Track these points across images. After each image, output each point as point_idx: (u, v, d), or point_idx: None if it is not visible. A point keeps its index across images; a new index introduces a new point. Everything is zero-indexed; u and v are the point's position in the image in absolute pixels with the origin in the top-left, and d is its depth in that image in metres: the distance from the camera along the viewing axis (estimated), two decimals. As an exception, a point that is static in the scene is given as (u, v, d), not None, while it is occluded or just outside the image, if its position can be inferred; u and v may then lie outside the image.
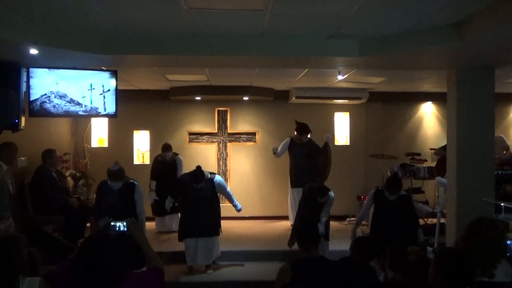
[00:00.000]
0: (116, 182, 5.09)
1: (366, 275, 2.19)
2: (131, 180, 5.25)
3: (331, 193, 5.61)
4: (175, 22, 4.07)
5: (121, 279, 2.47)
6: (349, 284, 2.13)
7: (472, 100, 5.24)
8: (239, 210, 6.15)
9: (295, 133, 7.48)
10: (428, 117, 9.02)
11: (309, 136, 7.52)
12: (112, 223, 3.20)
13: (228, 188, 6.22)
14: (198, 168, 5.68)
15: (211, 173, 5.86)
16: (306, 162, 7.33)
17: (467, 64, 5.10)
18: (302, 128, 7.39)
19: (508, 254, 2.93)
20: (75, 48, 4.47)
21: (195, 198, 5.61)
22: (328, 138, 6.86)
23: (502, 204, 5.07)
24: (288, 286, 3.07)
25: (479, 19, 3.72)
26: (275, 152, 7.51)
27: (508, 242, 2.93)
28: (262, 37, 4.55)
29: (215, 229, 5.74)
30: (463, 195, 5.24)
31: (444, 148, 6.27)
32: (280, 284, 3.17)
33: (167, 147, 7.41)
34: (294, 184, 7.48)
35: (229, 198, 6.07)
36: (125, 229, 3.17)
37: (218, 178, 5.87)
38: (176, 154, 7.53)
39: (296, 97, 8.14)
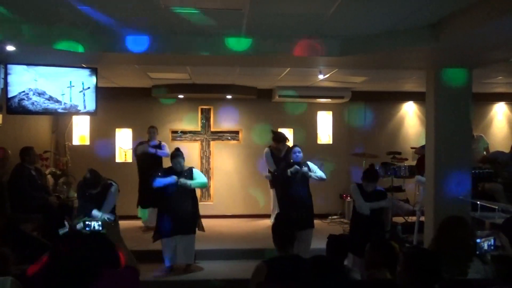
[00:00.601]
0: (93, 190, 4.97)
1: (337, 273, 2.22)
2: (109, 181, 5.16)
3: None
4: (153, 19, 4.05)
5: (95, 279, 2.46)
6: (320, 283, 2.15)
7: (450, 100, 5.32)
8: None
9: (272, 142, 7.45)
10: (410, 116, 9.12)
11: (287, 144, 7.46)
12: (87, 222, 3.19)
13: (206, 180, 6.02)
14: (177, 148, 5.71)
15: (189, 167, 5.75)
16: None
17: (445, 65, 5.18)
18: (279, 138, 7.37)
19: (478, 252, 2.98)
20: (53, 45, 4.42)
21: (172, 192, 5.47)
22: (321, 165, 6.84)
23: (478, 203, 5.16)
24: (263, 284, 3.08)
25: (455, 20, 3.79)
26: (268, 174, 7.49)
27: (478, 240, 2.97)
28: (242, 36, 4.55)
29: (194, 226, 5.66)
30: (441, 193, 5.33)
31: (424, 147, 6.36)
32: (255, 283, 3.17)
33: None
34: (272, 185, 7.53)
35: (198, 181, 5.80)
36: (100, 228, 3.17)
37: (196, 169, 5.82)
38: (160, 142, 7.50)
39: (279, 96, 8.17)
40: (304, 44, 4.61)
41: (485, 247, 2.99)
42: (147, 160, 7.18)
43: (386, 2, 3.48)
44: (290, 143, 7.73)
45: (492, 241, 3.01)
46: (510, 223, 3.40)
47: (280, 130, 8.51)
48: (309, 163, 5.80)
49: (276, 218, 3.64)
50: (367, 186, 5.00)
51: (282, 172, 5.70)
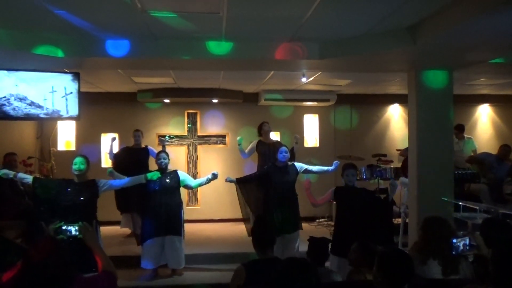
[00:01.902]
0: None
1: (309, 275, 2.21)
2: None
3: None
4: (132, 23, 4.05)
5: (70, 284, 2.44)
6: (290, 285, 2.15)
7: (431, 102, 5.37)
8: (214, 176, 5.63)
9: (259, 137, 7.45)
10: (395, 119, 9.18)
11: (273, 134, 7.50)
12: (63, 227, 3.17)
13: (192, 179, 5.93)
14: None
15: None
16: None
17: (425, 66, 5.22)
18: (258, 127, 7.34)
19: (453, 252, 3.01)
20: (33, 50, 4.40)
21: (156, 190, 5.41)
22: (297, 139, 6.85)
23: (460, 203, 5.20)
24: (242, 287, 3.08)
25: (432, 22, 3.83)
26: (241, 151, 7.23)
27: (454, 240, 3.00)
28: (222, 39, 4.57)
29: (178, 228, 5.55)
30: (424, 194, 5.36)
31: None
32: (234, 286, 3.17)
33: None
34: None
35: (200, 184, 5.79)
36: (77, 233, 3.15)
37: (181, 171, 5.75)
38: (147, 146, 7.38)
39: (266, 100, 8.19)
40: (284, 47, 4.63)
41: (461, 247, 3.02)
42: (127, 164, 6.96)
43: (361, 5, 3.51)
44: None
45: (467, 241, 3.05)
46: (487, 224, 3.43)
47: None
48: (295, 163, 5.72)
49: (255, 221, 3.64)
50: (348, 179, 4.90)
51: (265, 173, 5.66)
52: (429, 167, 5.36)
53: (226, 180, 5.70)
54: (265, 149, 7.29)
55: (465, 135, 8.00)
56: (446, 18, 3.60)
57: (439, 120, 5.37)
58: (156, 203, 5.44)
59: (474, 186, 6.64)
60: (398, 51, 4.36)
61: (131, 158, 7.08)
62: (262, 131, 7.31)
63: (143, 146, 7.34)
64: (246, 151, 7.34)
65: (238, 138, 6.95)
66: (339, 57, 4.68)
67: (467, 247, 3.07)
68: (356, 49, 4.47)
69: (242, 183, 5.79)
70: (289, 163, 5.67)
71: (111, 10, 3.66)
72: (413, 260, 2.40)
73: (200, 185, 5.83)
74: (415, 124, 5.44)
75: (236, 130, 8.75)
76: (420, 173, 5.38)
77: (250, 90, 8.23)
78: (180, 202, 5.70)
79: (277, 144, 7.45)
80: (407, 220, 6.06)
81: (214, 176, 5.58)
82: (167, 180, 5.52)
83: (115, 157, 7.15)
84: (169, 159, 5.68)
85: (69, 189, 4.63)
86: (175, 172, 5.62)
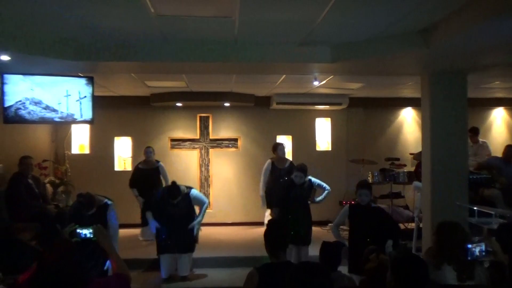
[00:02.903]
0: (88, 211, 4.73)
1: (322, 279, 2.20)
2: (105, 201, 4.88)
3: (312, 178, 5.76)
4: (146, 28, 4.09)
5: (84, 286, 2.46)
6: (303, 288, 2.14)
7: (445, 105, 5.32)
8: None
9: (274, 154, 7.43)
10: (408, 122, 9.11)
11: (288, 159, 7.49)
12: (78, 230, 3.19)
13: (206, 200, 5.94)
14: (173, 183, 5.59)
15: (187, 187, 5.72)
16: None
17: (438, 70, 5.18)
18: (273, 146, 7.39)
19: (469, 258, 2.96)
20: (48, 55, 4.47)
21: (170, 214, 5.54)
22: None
23: (475, 208, 5.13)
24: (254, 291, 3.07)
25: (445, 25, 3.80)
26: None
27: (469, 245, 2.96)
28: (234, 43, 4.59)
29: (191, 245, 5.73)
30: (437, 199, 5.30)
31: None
32: (247, 290, 3.16)
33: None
34: (269, 206, 7.26)
35: (201, 209, 5.82)
36: (91, 236, 3.17)
37: (194, 191, 5.73)
38: (158, 161, 7.47)
39: (277, 103, 8.19)
40: (296, 51, 4.63)
41: (476, 252, 2.97)
42: (141, 184, 7.16)
43: (374, 8, 3.50)
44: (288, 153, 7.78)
45: (483, 246, 3.00)
46: (503, 229, 3.38)
47: (278, 137, 8.57)
48: (312, 178, 5.78)
49: (268, 225, 3.63)
50: (362, 196, 4.90)
51: (282, 189, 5.71)
52: (443, 171, 5.30)
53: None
54: (277, 175, 7.17)
55: (480, 139, 7.87)
56: (459, 20, 3.56)
57: (453, 124, 5.32)
58: (171, 226, 5.55)
59: (487, 192, 6.53)
60: (410, 54, 4.34)
61: (143, 179, 7.19)
62: (276, 153, 7.29)
63: (155, 160, 7.39)
64: (261, 182, 7.40)
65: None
66: (351, 60, 4.66)
67: (483, 253, 3.01)
68: (368, 52, 4.45)
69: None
70: (305, 179, 5.72)
71: (125, 14, 3.69)
72: (427, 265, 2.37)
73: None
74: (428, 127, 5.39)
75: (248, 133, 8.77)
76: (434, 178, 5.33)
77: (262, 93, 8.24)
78: (194, 216, 5.75)
79: (290, 171, 7.30)
80: (421, 225, 6.00)
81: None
82: (181, 208, 5.56)
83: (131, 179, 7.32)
84: (181, 191, 5.58)
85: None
86: (187, 195, 5.61)
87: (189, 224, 5.65)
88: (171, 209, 5.53)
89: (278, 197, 5.86)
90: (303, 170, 5.64)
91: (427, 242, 5.34)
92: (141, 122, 8.52)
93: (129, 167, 8.35)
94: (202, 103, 8.23)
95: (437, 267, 3.13)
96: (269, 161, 7.43)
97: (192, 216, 5.74)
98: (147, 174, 7.26)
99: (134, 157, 8.32)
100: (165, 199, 5.54)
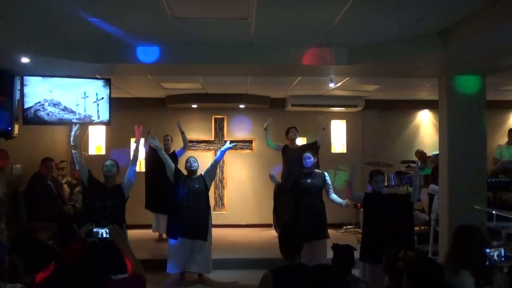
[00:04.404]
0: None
1: (338, 282, 2.19)
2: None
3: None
4: (162, 31, 4.12)
5: (101, 286, 2.48)
6: (319, 292, 2.13)
7: (463, 108, 5.24)
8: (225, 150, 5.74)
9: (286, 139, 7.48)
10: (425, 124, 9.01)
11: (299, 139, 7.51)
12: (94, 230, 3.22)
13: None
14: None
15: None
16: (297, 168, 7.22)
17: (456, 72, 5.11)
18: (287, 130, 7.38)
19: (487, 263, 2.91)
20: (66, 57, 4.54)
21: (186, 190, 5.50)
22: (322, 123, 6.69)
23: (494, 212, 5.04)
24: (269, 293, 3.06)
25: (463, 27, 3.75)
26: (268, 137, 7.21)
27: (487, 250, 2.90)
28: (250, 45, 4.59)
29: (204, 232, 5.55)
30: (455, 202, 5.21)
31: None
32: (261, 292, 3.16)
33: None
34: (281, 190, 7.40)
35: (216, 160, 5.83)
36: (108, 236, 3.20)
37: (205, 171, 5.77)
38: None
39: (292, 105, 8.17)
40: (312, 52, 4.61)
41: (495, 257, 2.92)
42: (156, 166, 7.06)
43: (392, 10, 3.47)
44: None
45: (502, 251, 2.94)
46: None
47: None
48: (326, 175, 5.63)
49: (282, 227, 3.62)
50: (377, 181, 4.85)
51: (294, 180, 5.64)
52: (460, 174, 5.21)
53: (270, 177, 5.71)
54: (290, 155, 7.26)
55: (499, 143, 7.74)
56: (479, 21, 3.50)
57: (471, 127, 5.23)
58: (184, 207, 5.49)
59: (505, 196, 6.42)
60: (428, 56, 4.29)
61: (160, 161, 7.17)
62: (288, 136, 7.31)
63: (171, 151, 7.45)
64: (274, 142, 7.28)
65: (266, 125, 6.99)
66: (368, 62, 4.63)
67: (502, 258, 2.95)
68: (385, 54, 4.41)
69: (279, 192, 5.78)
70: (318, 170, 5.64)
71: (142, 17, 3.73)
72: (444, 269, 2.34)
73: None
74: (446, 130, 5.32)
75: (263, 135, 8.71)
76: (451, 181, 5.25)
77: (277, 95, 8.24)
78: (209, 207, 5.72)
79: (302, 150, 7.41)
80: (438, 229, 5.92)
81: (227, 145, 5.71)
82: (196, 185, 5.56)
83: (146, 157, 7.34)
84: (198, 164, 5.72)
85: (100, 193, 4.73)
86: (201, 176, 5.66)
87: (203, 209, 5.55)
88: (188, 181, 5.53)
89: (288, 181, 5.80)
90: (311, 148, 5.62)
91: (444, 246, 5.27)
92: (156, 124, 8.55)
93: (143, 168, 8.41)
94: (217, 104, 8.27)
95: (455, 272, 3.08)
96: (282, 144, 7.40)
97: (207, 201, 5.67)
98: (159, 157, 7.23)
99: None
100: (181, 176, 5.58)
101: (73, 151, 4.89)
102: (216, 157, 5.92)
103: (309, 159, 5.49)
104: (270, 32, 4.12)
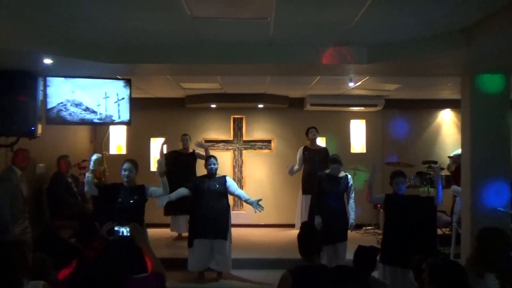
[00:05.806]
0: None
1: (359, 284, 2.17)
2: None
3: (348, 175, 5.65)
4: (182, 31, 4.14)
5: (122, 283, 2.50)
6: (339, 293, 2.12)
7: (487, 107, 5.13)
8: (255, 204, 5.64)
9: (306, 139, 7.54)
10: (447, 124, 8.86)
11: (319, 140, 7.59)
12: (115, 228, 3.27)
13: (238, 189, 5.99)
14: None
15: None
16: (318, 168, 7.20)
17: (480, 70, 5.00)
18: (306, 131, 7.50)
19: (512, 266, 2.85)
20: (87, 57, 4.60)
21: (206, 191, 5.57)
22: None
23: (518, 214, 4.93)
24: (288, 294, 3.04)
25: (486, 24, 3.66)
26: (291, 171, 7.27)
27: (512, 253, 2.84)
28: (269, 45, 4.58)
29: (224, 231, 5.62)
30: (478, 204, 5.11)
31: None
32: (280, 292, 3.14)
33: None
34: (305, 190, 7.43)
35: (241, 196, 5.82)
36: (128, 234, 3.24)
37: (230, 179, 5.87)
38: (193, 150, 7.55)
39: (311, 105, 8.13)
40: (331, 52, 4.58)
41: (520, 260, 2.85)
42: (175, 167, 7.19)
43: (413, 8, 3.41)
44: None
45: (528, 254, 2.87)
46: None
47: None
48: (350, 179, 5.67)
49: (301, 227, 3.60)
50: (398, 181, 4.82)
51: (320, 183, 5.64)
52: (483, 175, 5.11)
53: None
54: (310, 155, 7.26)
55: None
56: (503, 18, 3.42)
57: (494, 126, 5.12)
58: (205, 206, 5.56)
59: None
60: (451, 55, 4.20)
61: (179, 162, 7.27)
62: (308, 137, 7.31)
63: (190, 150, 7.50)
64: (296, 166, 7.37)
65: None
66: (389, 61, 4.57)
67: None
68: (406, 53, 4.34)
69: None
70: (342, 174, 5.64)
71: (162, 17, 3.76)
72: (467, 272, 2.29)
73: (241, 197, 5.84)
74: (468, 130, 5.21)
75: (281, 135, 8.75)
76: (474, 182, 5.14)
77: (296, 95, 8.21)
78: (228, 207, 5.80)
79: (323, 151, 7.40)
80: (460, 231, 5.81)
81: (258, 206, 5.63)
82: (217, 185, 5.65)
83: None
84: (218, 164, 5.76)
85: (120, 193, 4.80)
86: (223, 177, 5.74)
87: (223, 208, 5.63)
88: (208, 182, 5.60)
89: (315, 202, 5.73)
90: (339, 161, 5.58)
91: (466, 248, 5.16)
92: (176, 124, 8.65)
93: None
94: (236, 104, 8.29)
95: (479, 276, 3.02)
96: (301, 148, 7.56)
97: (226, 201, 5.74)
98: (182, 157, 7.34)
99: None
100: (199, 182, 5.65)
101: (87, 174, 4.91)
102: (243, 197, 5.82)
103: (338, 169, 5.57)
104: (289, 31, 4.10)
